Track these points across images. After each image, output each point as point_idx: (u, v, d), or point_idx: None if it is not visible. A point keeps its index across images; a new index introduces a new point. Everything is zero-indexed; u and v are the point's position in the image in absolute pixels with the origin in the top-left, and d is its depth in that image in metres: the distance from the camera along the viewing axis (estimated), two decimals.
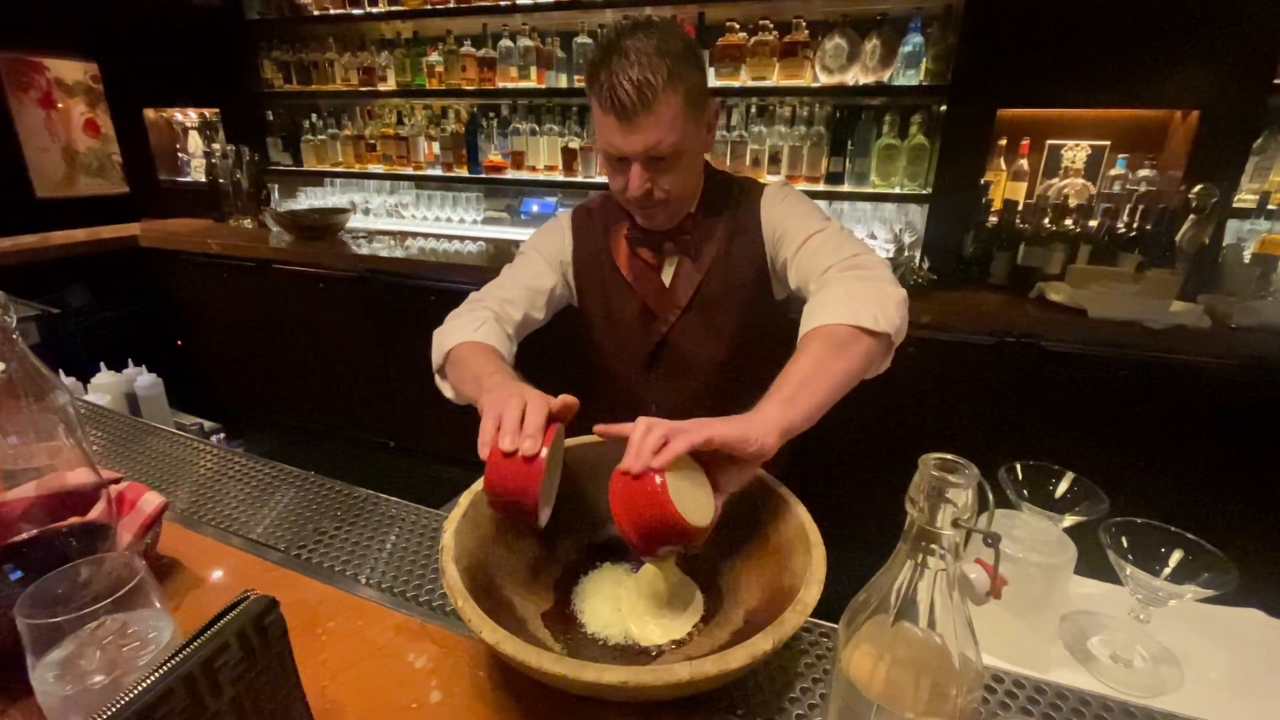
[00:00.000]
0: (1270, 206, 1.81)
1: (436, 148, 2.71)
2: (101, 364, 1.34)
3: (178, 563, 0.73)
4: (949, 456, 0.38)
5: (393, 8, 2.57)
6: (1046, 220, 1.97)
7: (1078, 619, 0.77)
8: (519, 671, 0.50)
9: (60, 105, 3.09)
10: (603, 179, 2.44)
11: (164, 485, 0.91)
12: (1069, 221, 1.96)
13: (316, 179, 3.02)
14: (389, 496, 0.89)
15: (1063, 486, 0.79)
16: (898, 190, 2.12)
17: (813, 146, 2.16)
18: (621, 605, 0.67)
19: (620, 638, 0.63)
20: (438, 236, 2.72)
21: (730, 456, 0.62)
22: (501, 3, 2.39)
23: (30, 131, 2.99)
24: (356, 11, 2.62)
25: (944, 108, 2.01)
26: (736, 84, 2.18)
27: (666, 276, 1.07)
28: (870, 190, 2.16)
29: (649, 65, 0.85)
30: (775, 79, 2.16)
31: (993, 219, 2.04)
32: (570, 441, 0.76)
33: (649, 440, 0.58)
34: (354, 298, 2.43)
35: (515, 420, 0.63)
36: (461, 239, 2.68)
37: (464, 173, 2.68)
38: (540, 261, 1.10)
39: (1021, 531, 0.74)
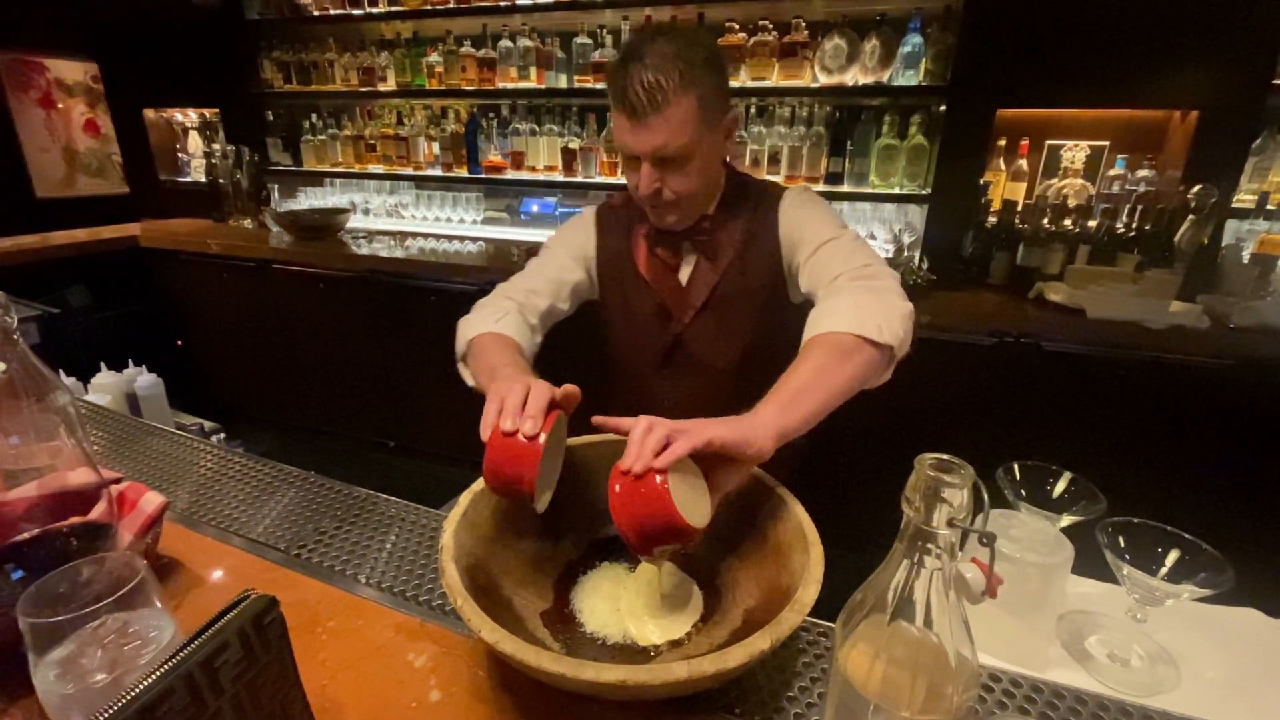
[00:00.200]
0: (1269, 207, 1.81)
1: (436, 148, 2.71)
2: (102, 364, 1.34)
3: (178, 562, 0.73)
4: (945, 456, 0.38)
5: (393, 8, 2.57)
6: (1045, 220, 1.97)
7: (1075, 618, 0.77)
8: (518, 671, 0.51)
9: (60, 105, 3.08)
10: (602, 179, 2.46)
11: (164, 485, 0.91)
12: (1068, 222, 1.96)
13: (316, 179, 3.02)
14: (389, 496, 0.89)
15: (1060, 486, 0.79)
16: (897, 190, 2.13)
17: (812, 147, 2.17)
18: (620, 605, 0.67)
19: (619, 637, 0.64)
20: (437, 237, 2.72)
21: (728, 457, 0.62)
22: (501, 3, 2.39)
23: (30, 131, 2.98)
24: (356, 12, 2.62)
25: (943, 108, 2.01)
26: (736, 84, 2.19)
27: (683, 276, 1.08)
28: (869, 190, 2.16)
29: (662, 69, 0.87)
30: (775, 79, 2.16)
31: (992, 219, 2.04)
32: (571, 441, 0.76)
33: (651, 440, 0.58)
34: (354, 298, 2.43)
35: (517, 403, 0.64)
36: (461, 239, 2.68)
37: (464, 173, 2.69)
38: (565, 256, 1.12)
39: (1019, 531, 0.74)
